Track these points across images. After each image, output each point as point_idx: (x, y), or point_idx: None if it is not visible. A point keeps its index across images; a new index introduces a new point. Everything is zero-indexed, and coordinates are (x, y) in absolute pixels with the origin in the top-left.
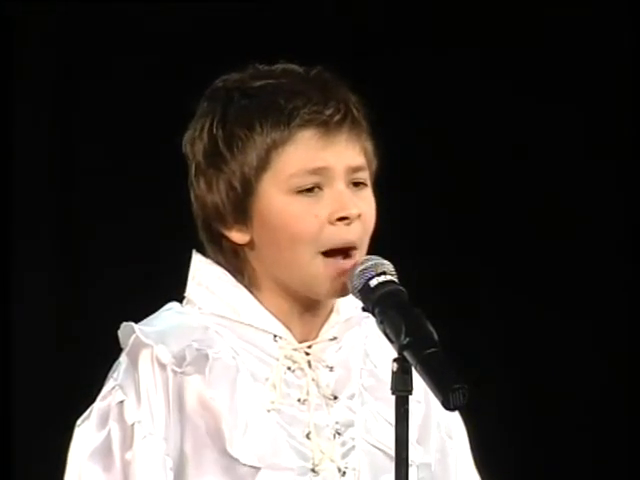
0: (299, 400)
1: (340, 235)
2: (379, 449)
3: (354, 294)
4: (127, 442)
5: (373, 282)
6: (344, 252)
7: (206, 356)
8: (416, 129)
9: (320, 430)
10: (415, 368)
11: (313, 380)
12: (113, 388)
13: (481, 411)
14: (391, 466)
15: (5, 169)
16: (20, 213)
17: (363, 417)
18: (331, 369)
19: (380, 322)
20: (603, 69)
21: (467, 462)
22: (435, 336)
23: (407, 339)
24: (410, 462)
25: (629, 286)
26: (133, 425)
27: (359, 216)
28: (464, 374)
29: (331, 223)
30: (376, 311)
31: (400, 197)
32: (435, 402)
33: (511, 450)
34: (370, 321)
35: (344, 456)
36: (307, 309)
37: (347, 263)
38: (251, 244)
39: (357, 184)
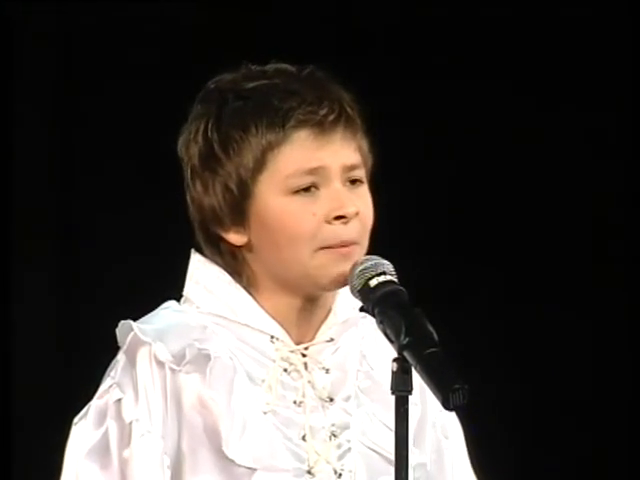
0: (295, 402)
1: (338, 234)
2: (375, 451)
3: (354, 294)
4: (125, 440)
5: (373, 282)
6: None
7: (208, 356)
8: (416, 129)
9: (316, 432)
10: (415, 368)
11: (309, 382)
12: (111, 386)
13: (481, 411)
14: (387, 468)
15: (5, 169)
16: (20, 213)
17: (359, 419)
18: (327, 371)
19: (380, 322)
20: (603, 69)
21: (463, 462)
22: (435, 336)
23: (407, 339)
24: None
25: (629, 286)
26: (131, 423)
27: (357, 214)
28: (464, 374)
29: (328, 222)
30: (376, 311)
31: (400, 197)
32: (431, 402)
33: (511, 450)
34: (367, 322)
35: (340, 458)
36: (306, 309)
37: (347, 249)
38: (249, 245)
39: (353, 182)
